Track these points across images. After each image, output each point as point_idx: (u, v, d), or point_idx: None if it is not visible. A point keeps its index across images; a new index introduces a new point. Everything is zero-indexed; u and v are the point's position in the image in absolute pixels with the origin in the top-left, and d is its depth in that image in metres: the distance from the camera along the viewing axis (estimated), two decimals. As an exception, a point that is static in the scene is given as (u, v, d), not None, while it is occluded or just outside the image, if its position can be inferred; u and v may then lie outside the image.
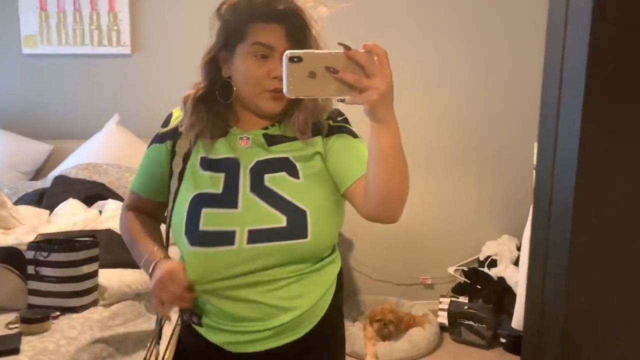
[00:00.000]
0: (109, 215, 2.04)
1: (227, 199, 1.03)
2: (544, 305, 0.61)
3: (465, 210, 3.18)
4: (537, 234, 0.63)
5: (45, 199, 2.28)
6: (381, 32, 3.01)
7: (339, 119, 1.10)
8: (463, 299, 2.94)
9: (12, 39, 3.01)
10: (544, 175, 0.61)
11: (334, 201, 1.07)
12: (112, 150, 2.75)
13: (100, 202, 2.24)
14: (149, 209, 1.19)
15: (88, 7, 3.02)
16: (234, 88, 1.06)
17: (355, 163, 1.04)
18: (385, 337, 2.73)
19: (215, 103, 1.07)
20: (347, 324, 2.85)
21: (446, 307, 2.93)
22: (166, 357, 1.13)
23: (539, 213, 0.62)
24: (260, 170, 1.05)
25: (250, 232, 1.00)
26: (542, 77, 0.65)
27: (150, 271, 1.07)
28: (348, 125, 1.10)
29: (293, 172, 1.05)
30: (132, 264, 1.82)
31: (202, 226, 1.02)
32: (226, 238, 1.00)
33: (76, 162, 2.67)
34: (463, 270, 3.13)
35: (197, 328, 1.09)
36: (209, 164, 1.06)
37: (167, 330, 1.16)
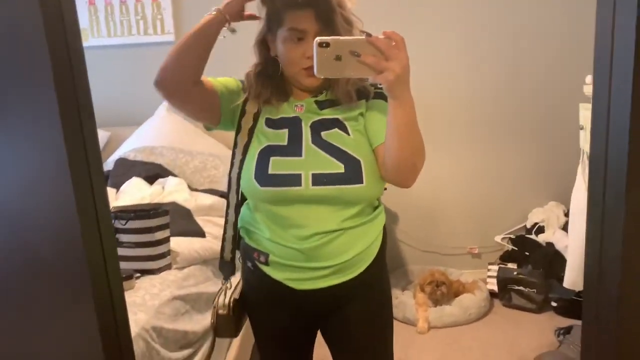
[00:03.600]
0: (171, 190, 2.17)
1: (292, 149, 1.17)
2: (602, 265, 0.66)
3: (511, 178, 3.19)
4: (594, 194, 0.67)
5: (110, 180, 2.43)
6: (417, 5, 3.03)
7: (380, 85, 1.20)
8: (512, 266, 2.96)
9: (66, 33, 3.17)
10: (599, 138, 0.66)
11: None
12: (164, 134, 2.88)
13: (161, 180, 2.37)
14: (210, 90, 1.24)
15: (133, -2, 3.14)
16: (279, 66, 1.21)
17: (380, 128, 1.16)
18: (436, 302, 2.79)
19: (272, 76, 1.23)
20: (397, 293, 2.92)
21: (495, 274, 2.96)
22: (235, 294, 1.28)
23: (595, 174, 0.67)
24: (317, 127, 1.20)
25: (314, 175, 1.14)
26: (595, 39, 0.68)
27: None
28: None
29: (344, 129, 1.19)
30: (196, 234, 1.95)
31: (271, 170, 1.16)
32: (293, 180, 1.14)
33: (132, 146, 2.82)
34: (510, 238, 3.15)
35: (262, 267, 1.22)
36: (273, 123, 1.22)
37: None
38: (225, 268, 1.31)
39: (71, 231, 0.66)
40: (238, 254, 1.31)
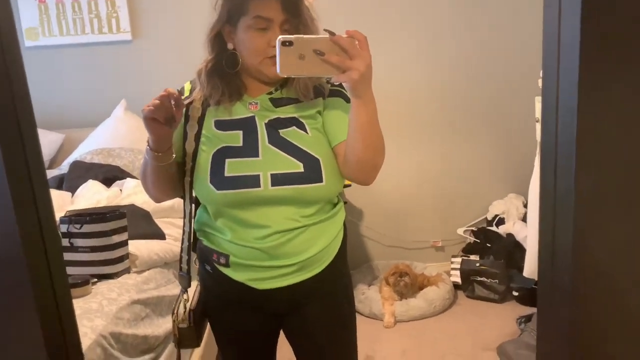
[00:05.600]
0: (129, 192, 2.11)
1: (248, 149, 1.14)
2: (555, 253, 0.68)
3: (471, 172, 3.25)
4: (545, 184, 0.69)
5: (65, 184, 2.35)
6: (376, 5, 3.05)
7: (333, 80, 1.21)
8: (474, 258, 3.02)
9: (15, 32, 3.04)
10: (549, 128, 0.67)
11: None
12: (122, 135, 2.81)
13: (119, 182, 2.31)
14: None
15: (86, -5, 3.05)
16: (239, 59, 1.16)
17: (340, 126, 1.16)
18: (401, 295, 2.82)
19: (225, 73, 1.18)
20: (363, 288, 2.94)
21: (458, 266, 3.01)
22: (192, 304, 1.25)
23: (546, 163, 0.68)
24: (273, 126, 1.17)
25: (273, 175, 1.12)
26: (543, 32, 0.70)
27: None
28: (344, 90, 1.21)
29: (302, 127, 1.17)
30: (156, 236, 1.90)
31: (227, 173, 1.13)
32: (252, 181, 1.12)
33: (88, 148, 2.73)
34: (472, 231, 3.21)
35: (222, 269, 1.19)
36: (225, 125, 1.17)
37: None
38: (183, 279, 1.28)
39: (11, 236, 0.62)
40: (194, 259, 1.28)
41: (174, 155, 1.16)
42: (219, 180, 1.13)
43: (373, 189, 3.26)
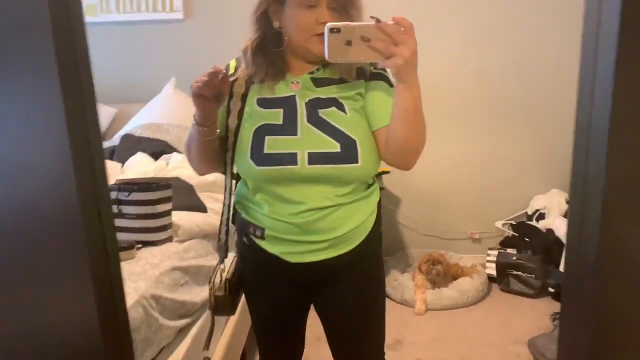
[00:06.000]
0: (175, 166, 2.20)
1: (288, 127, 1.17)
2: (583, 231, 0.69)
3: (513, 165, 3.19)
4: (577, 163, 0.69)
5: (116, 155, 2.46)
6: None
7: (378, 66, 1.22)
8: (511, 251, 2.99)
9: (75, 9, 3.19)
10: (584, 108, 0.68)
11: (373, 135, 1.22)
12: (171, 112, 2.91)
13: (165, 156, 2.41)
14: None
15: (143, -25, 3.15)
16: (285, 37, 1.19)
17: (382, 110, 1.17)
18: (434, 284, 2.83)
19: (270, 52, 1.20)
20: (396, 274, 2.96)
21: (494, 259, 2.98)
22: (229, 274, 1.31)
23: (579, 143, 0.69)
24: (313, 105, 1.19)
25: (310, 154, 1.15)
26: (583, 17, 0.70)
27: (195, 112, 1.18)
28: (386, 74, 1.22)
29: (341, 108, 1.19)
30: (198, 209, 1.98)
31: (267, 150, 1.16)
32: (289, 159, 1.15)
33: (139, 123, 2.85)
34: (511, 224, 3.16)
35: (258, 242, 1.23)
36: (267, 103, 1.21)
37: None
38: (221, 250, 1.32)
39: (69, 190, 0.69)
40: (232, 232, 1.33)
41: (218, 131, 1.21)
42: (259, 156, 1.16)
43: (412, 177, 3.25)
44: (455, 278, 2.89)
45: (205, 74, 1.11)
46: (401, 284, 2.84)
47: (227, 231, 1.32)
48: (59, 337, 0.80)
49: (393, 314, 2.66)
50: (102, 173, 0.76)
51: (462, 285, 2.80)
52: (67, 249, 0.76)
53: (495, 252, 3.00)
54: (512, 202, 3.22)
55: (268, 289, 1.31)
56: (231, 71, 1.27)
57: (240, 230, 1.30)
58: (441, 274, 2.82)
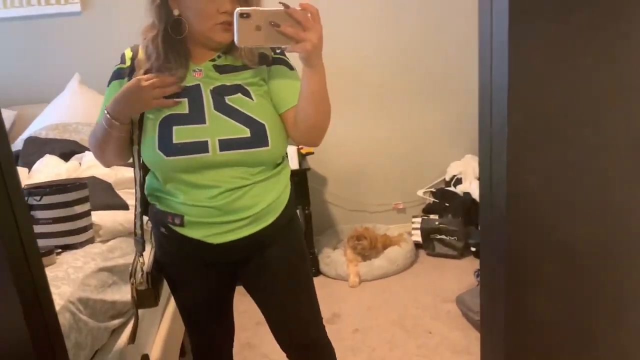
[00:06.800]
0: (89, 164, 2.09)
1: (195, 116, 1.18)
2: (492, 181, 0.75)
3: (429, 135, 3.34)
4: (483, 119, 0.75)
5: (21, 160, 2.30)
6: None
7: (277, 51, 1.27)
8: (434, 217, 3.14)
9: (-45, 5, 2.91)
10: (485, 66, 0.73)
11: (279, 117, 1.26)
12: (78, 110, 2.75)
13: (77, 155, 2.28)
14: None
15: (31, -35, 2.93)
16: (186, 25, 1.19)
17: (288, 93, 1.22)
18: (364, 257, 2.92)
19: (170, 40, 1.20)
20: (328, 252, 3.02)
21: (419, 226, 3.13)
22: (150, 264, 1.33)
23: (484, 100, 0.75)
24: (219, 92, 1.20)
25: (221, 141, 1.17)
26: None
27: (111, 109, 1.19)
28: (285, 58, 1.27)
29: (246, 94, 1.21)
30: (119, 207, 1.91)
31: (175, 140, 1.17)
32: (200, 147, 1.16)
33: (43, 124, 2.67)
34: (431, 192, 3.32)
35: (177, 229, 1.24)
36: (169, 94, 1.18)
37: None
38: (138, 244, 1.32)
39: None
40: (146, 224, 1.32)
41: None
42: (167, 147, 1.16)
43: (335, 156, 3.32)
44: (385, 248, 3.00)
45: (159, 82, 1.15)
46: (333, 260, 2.91)
47: (141, 225, 1.32)
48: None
49: (328, 290, 2.73)
50: (13, 176, 0.72)
51: (391, 254, 2.92)
52: None
53: (419, 220, 3.15)
54: (430, 171, 3.38)
55: (192, 274, 1.32)
56: (127, 63, 1.25)
57: (156, 222, 1.30)
58: (367, 247, 2.91)
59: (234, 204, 1.20)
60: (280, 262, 1.31)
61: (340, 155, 3.30)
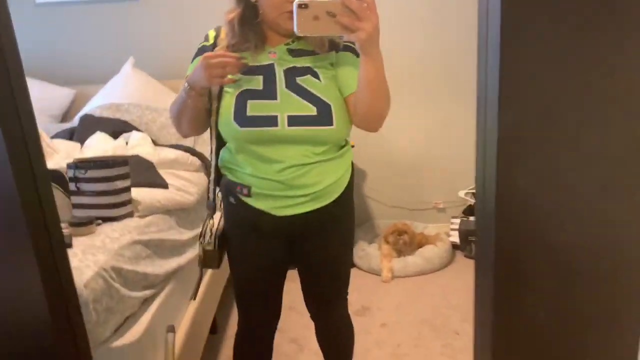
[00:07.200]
0: (134, 144, 2.19)
1: (267, 93, 1.28)
2: (485, 183, 0.74)
3: (474, 136, 3.26)
4: (479, 120, 0.75)
5: (76, 136, 2.43)
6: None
7: (345, 39, 1.32)
8: (473, 219, 3.08)
9: (26, -12, 3.11)
10: (481, 67, 0.73)
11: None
12: (131, 91, 2.88)
13: (125, 134, 2.39)
14: None
15: (96, -48, 3.08)
16: (260, 11, 1.29)
17: (350, 79, 1.29)
18: (400, 253, 2.90)
19: (250, 23, 1.31)
20: (364, 245, 3.02)
21: (457, 226, 3.07)
22: (219, 228, 1.44)
23: (480, 100, 0.75)
24: (291, 73, 1.30)
25: (289, 117, 1.26)
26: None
27: (189, 79, 1.29)
28: (353, 45, 1.32)
29: (316, 76, 1.30)
30: (159, 185, 1.99)
31: (249, 112, 1.28)
32: (270, 121, 1.27)
33: (98, 103, 2.81)
34: (473, 193, 3.25)
35: (245, 199, 1.36)
36: (248, 70, 1.30)
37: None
38: (210, 207, 1.43)
39: (6, 180, 0.71)
40: (217, 192, 1.44)
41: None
42: (242, 118, 1.27)
43: (378, 151, 3.30)
44: (420, 246, 2.97)
45: (229, 58, 1.22)
46: (368, 253, 2.91)
47: (214, 190, 1.43)
48: (6, 312, 0.82)
49: (361, 283, 2.73)
50: (38, 155, 0.77)
51: (427, 252, 2.89)
52: (8, 226, 0.77)
53: (458, 221, 3.09)
54: (474, 172, 3.29)
55: (252, 244, 1.42)
56: (210, 41, 1.36)
57: (226, 191, 1.41)
58: (407, 243, 2.90)
59: (297, 180, 1.30)
60: (333, 243, 1.44)
61: (381, 151, 3.29)
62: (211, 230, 1.42)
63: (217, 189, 1.45)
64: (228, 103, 1.29)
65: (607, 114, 0.68)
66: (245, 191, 1.35)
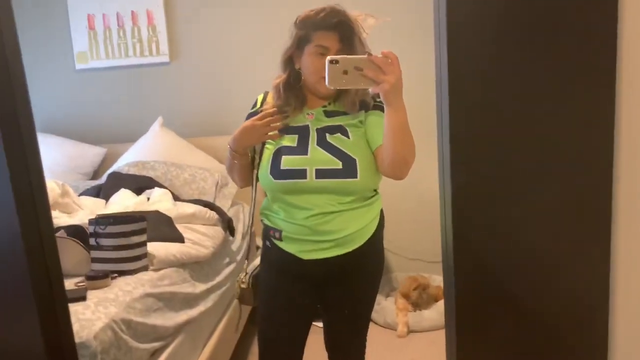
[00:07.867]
0: (155, 200, 2.32)
1: (300, 149, 1.45)
2: (446, 237, 0.81)
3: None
4: (439, 180, 0.83)
5: (102, 193, 2.59)
6: (409, 34, 3.18)
7: (377, 99, 1.48)
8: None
9: (67, 56, 3.39)
10: (441, 132, 0.81)
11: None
12: (158, 149, 3.05)
13: (147, 191, 2.53)
14: None
15: (130, 22, 3.35)
16: (302, 77, 1.48)
17: (378, 133, 1.43)
18: (416, 306, 2.89)
19: (293, 87, 1.50)
20: (380, 299, 3.02)
21: (475, 279, 3.04)
22: (254, 269, 1.63)
23: (443, 163, 0.82)
24: (323, 132, 1.47)
25: (317, 170, 1.42)
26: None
27: (231, 142, 1.50)
28: (381, 104, 1.43)
29: (345, 134, 1.46)
30: (176, 239, 2.09)
31: (283, 166, 1.45)
32: (300, 173, 1.42)
33: (127, 161, 2.98)
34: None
35: (277, 243, 1.51)
36: (286, 129, 1.49)
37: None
38: (248, 250, 1.65)
39: (11, 225, 0.80)
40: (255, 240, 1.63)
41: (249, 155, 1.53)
42: (277, 171, 1.44)
43: (394, 202, 3.34)
44: (437, 300, 2.95)
45: (267, 118, 1.44)
46: (384, 307, 2.90)
47: (251, 233, 1.62)
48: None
49: (376, 337, 2.71)
50: (44, 207, 0.88)
51: (443, 307, 2.86)
52: (12, 277, 0.86)
53: (476, 273, 3.06)
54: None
55: (281, 284, 1.53)
56: (258, 105, 1.56)
57: (264, 236, 1.57)
58: (432, 296, 2.89)
59: (323, 226, 1.43)
60: (359, 289, 1.55)
61: (400, 202, 3.33)
62: (246, 269, 1.61)
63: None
64: (267, 158, 1.47)
65: (552, 169, 0.74)
66: (277, 235, 1.49)
